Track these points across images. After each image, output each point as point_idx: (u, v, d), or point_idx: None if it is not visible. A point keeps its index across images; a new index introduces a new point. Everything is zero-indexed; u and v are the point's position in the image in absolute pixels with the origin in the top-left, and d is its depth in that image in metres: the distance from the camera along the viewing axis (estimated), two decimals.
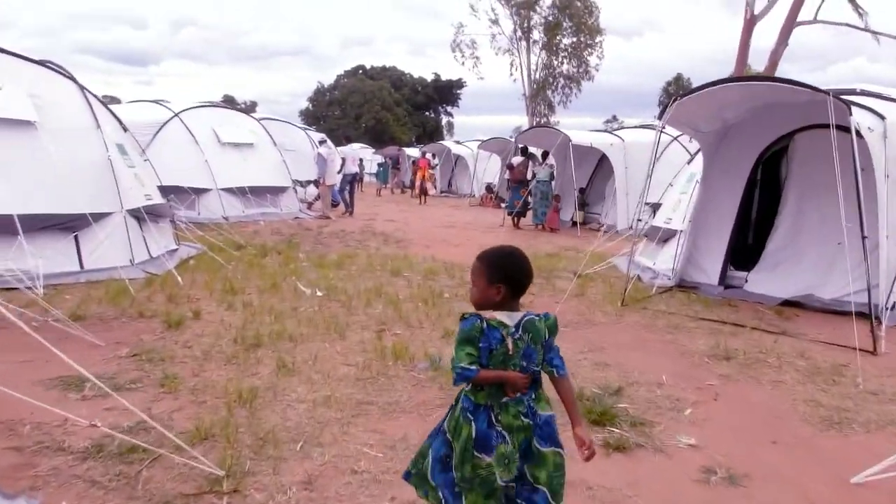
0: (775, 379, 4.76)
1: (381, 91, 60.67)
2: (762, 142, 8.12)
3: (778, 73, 20.61)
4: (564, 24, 42.53)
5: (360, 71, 66.39)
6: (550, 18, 42.24)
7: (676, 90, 54.45)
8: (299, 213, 15.45)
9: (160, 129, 13.45)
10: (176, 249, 8.67)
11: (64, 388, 3.92)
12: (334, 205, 16.53)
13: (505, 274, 2.16)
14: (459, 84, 63.89)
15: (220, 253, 8.62)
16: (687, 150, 12.38)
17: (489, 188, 22.97)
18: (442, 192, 28.25)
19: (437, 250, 10.52)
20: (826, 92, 6.06)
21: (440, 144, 32.10)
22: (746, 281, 7.91)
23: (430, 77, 65.87)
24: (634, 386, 4.48)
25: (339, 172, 16.21)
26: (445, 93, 65.59)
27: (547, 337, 2.21)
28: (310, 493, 2.86)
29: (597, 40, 43.29)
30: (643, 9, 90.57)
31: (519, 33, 42.58)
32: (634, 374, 4.74)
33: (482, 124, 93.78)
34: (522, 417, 2.13)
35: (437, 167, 28.49)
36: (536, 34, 42.94)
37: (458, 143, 31.08)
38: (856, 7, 20.30)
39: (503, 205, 17.59)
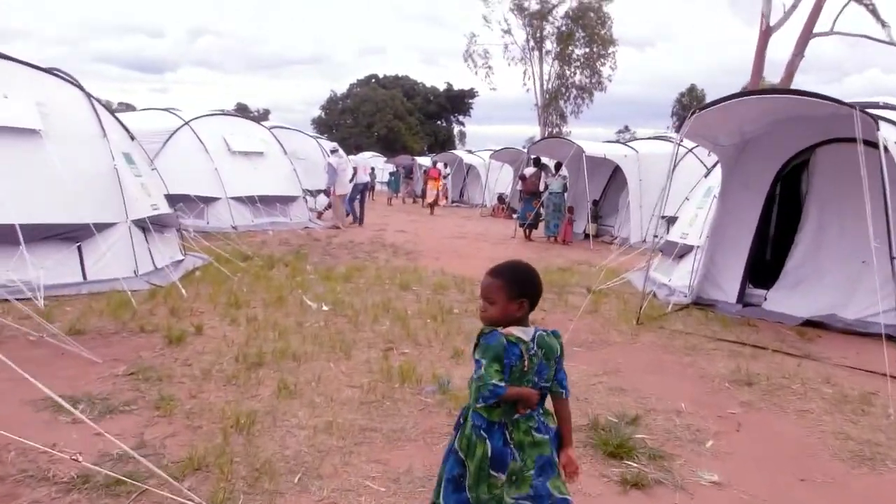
0: (800, 408, 4.52)
1: (394, 100, 60.79)
2: (782, 156, 7.90)
3: (793, 85, 20.34)
4: (577, 34, 42.41)
5: (373, 80, 66.60)
6: (563, 29, 42.15)
7: (690, 101, 54.27)
8: (309, 222, 15.33)
9: (170, 137, 13.37)
10: (182, 260, 8.54)
11: (55, 409, 3.74)
12: (347, 215, 16.38)
13: (527, 289, 2.15)
14: (472, 94, 63.97)
15: (226, 264, 8.48)
16: (703, 163, 12.14)
17: (501, 198, 22.79)
18: (453, 201, 28.08)
19: (446, 263, 10.34)
20: (852, 105, 5.84)
21: (452, 154, 31.97)
22: (765, 299, 7.67)
23: (442, 86, 66.03)
24: (652, 414, 4.26)
25: (350, 182, 16.08)
26: (457, 102, 65.66)
27: (559, 354, 2.20)
28: None
29: (609, 51, 43.14)
30: (656, 19, 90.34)
31: (532, 43, 42.51)
32: (652, 399, 4.52)
33: (494, 134, 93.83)
34: (534, 433, 2.11)
35: (449, 177, 28.32)
36: (549, 44, 42.87)
37: (469, 152, 30.96)
38: (878, 18, 20.00)
39: (515, 216, 17.40)
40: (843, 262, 7.19)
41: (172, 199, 12.04)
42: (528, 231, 15.09)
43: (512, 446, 2.08)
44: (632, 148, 15.27)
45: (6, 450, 3.19)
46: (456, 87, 64.82)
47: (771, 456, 3.76)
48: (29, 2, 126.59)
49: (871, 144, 5.96)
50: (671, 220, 10.26)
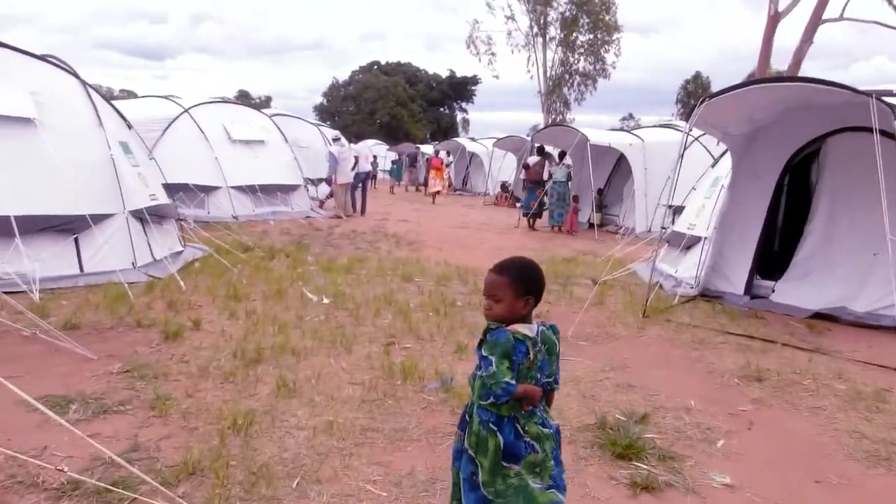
0: (813, 405, 4.40)
1: (396, 87, 60.40)
2: (792, 145, 7.73)
3: (801, 72, 20.07)
4: (581, 20, 42.00)
5: (375, 66, 66.15)
6: (567, 14, 41.72)
7: (695, 89, 53.88)
8: (311, 211, 15.18)
9: (169, 125, 13.20)
10: (181, 251, 8.42)
11: (48, 408, 3.63)
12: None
13: (532, 286, 2.14)
14: (475, 80, 63.55)
15: (226, 255, 8.36)
16: (709, 152, 11.95)
17: (504, 187, 22.61)
18: (456, 190, 27.90)
19: (450, 253, 10.22)
20: (868, 94, 5.67)
21: (454, 142, 31.73)
22: (773, 291, 7.53)
23: (445, 73, 65.59)
24: (661, 411, 4.15)
25: (352, 170, 15.91)
26: (460, 89, 65.25)
27: (558, 349, 2.21)
28: None
29: (614, 37, 42.73)
30: (660, 5, 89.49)
31: (535, 29, 42.12)
32: (660, 397, 4.41)
33: (497, 121, 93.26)
34: (541, 427, 2.14)
35: (452, 164, 28.10)
36: (553, 30, 42.48)
37: (472, 140, 30.71)
38: (890, 3, 19.65)
39: (518, 205, 17.24)
40: (853, 253, 7.05)
41: (172, 189, 11.94)
42: (531, 220, 14.94)
43: (528, 439, 2.09)
44: (637, 136, 15.07)
45: None
46: (459, 74, 64.43)
47: (784, 456, 3.64)
48: None
49: (886, 134, 5.81)
50: (677, 210, 10.11)
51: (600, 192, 15.52)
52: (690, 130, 6.82)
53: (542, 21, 42.00)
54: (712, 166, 9.57)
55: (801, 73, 17.84)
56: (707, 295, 7.65)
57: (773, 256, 8.19)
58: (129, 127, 8.64)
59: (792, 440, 3.86)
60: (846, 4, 20.11)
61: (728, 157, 8.83)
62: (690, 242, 8.21)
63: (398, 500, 2.92)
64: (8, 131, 6.60)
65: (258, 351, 4.75)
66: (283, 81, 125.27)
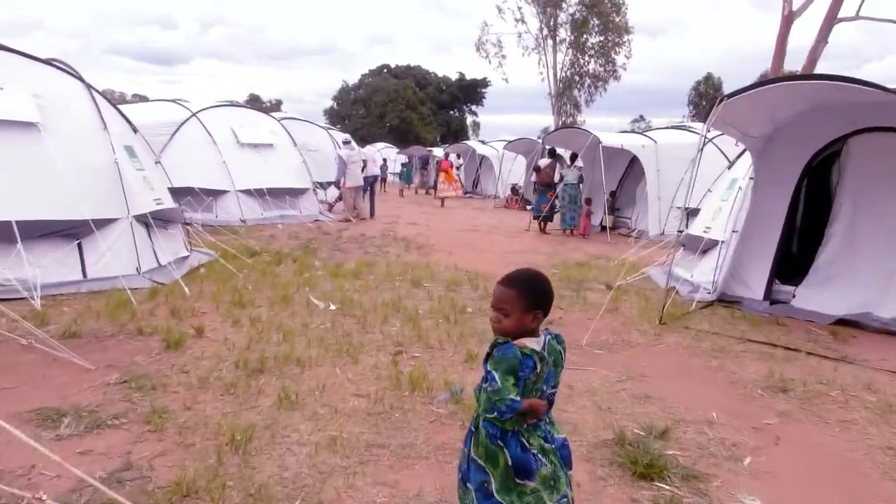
0: (843, 418, 4.18)
1: (406, 90, 60.34)
2: (812, 146, 7.48)
3: (815, 72, 19.72)
4: (592, 21, 41.75)
5: (385, 70, 66.18)
6: (577, 16, 41.48)
7: (706, 90, 53.40)
8: (319, 215, 15.05)
9: (178, 129, 13.14)
10: (186, 256, 8.29)
11: (40, 423, 3.49)
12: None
13: (541, 299, 2.09)
14: (484, 83, 63.42)
15: (232, 260, 8.23)
16: (723, 154, 11.65)
17: (514, 190, 22.42)
18: (466, 192, 27.72)
19: (460, 257, 10.03)
20: None
21: (464, 144, 31.59)
22: (794, 296, 7.28)
23: (454, 76, 65.46)
24: (682, 425, 3.94)
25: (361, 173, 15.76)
26: (470, 92, 65.12)
27: (563, 360, 2.16)
28: None
29: (624, 39, 42.43)
30: (669, 7, 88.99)
31: (545, 31, 41.90)
32: (681, 409, 4.20)
33: (507, 123, 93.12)
34: (544, 441, 2.09)
35: (462, 167, 27.91)
36: (563, 32, 42.26)
37: (483, 143, 30.55)
38: None
39: (529, 208, 17.03)
40: (877, 257, 6.81)
41: (179, 193, 11.86)
42: (542, 223, 14.72)
43: (535, 451, 2.05)
44: (650, 138, 14.82)
45: None
46: (468, 77, 64.28)
47: (815, 475, 3.43)
48: None
49: None
50: (692, 213, 9.88)
51: (613, 194, 15.28)
52: (708, 131, 6.59)
53: (552, 23, 41.79)
54: (728, 168, 9.34)
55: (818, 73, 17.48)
56: (725, 300, 7.42)
57: (793, 260, 7.95)
58: (135, 131, 8.52)
59: (822, 457, 3.64)
60: (862, 3, 19.77)
61: (745, 158, 8.62)
62: (707, 246, 7.98)
63: None
64: (10, 135, 6.50)
65: (261, 360, 4.58)
66: (293, 85, 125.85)
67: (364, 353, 4.99)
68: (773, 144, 7.35)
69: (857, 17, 20.03)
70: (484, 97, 66.07)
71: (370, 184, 16.31)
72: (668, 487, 3.14)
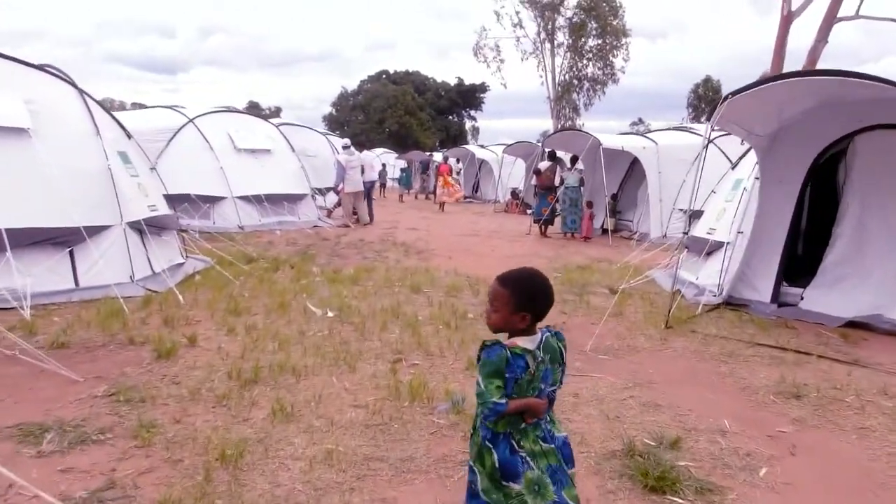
0: (859, 425, 4.02)
1: (405, 96, 60.28)
2: (817, 145, 7.33)
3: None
4: (589, 25, 41.66)
5: (384, 76, 66.14)
6: (575, 20, 41.40)
7: (705, 92, 53.32)
8: (318, 221, 14.90)
9: (174, 135, 13.00)
10: (182, 264, 8.13)
11: (21, 439, 3.33)
12: (354, 213, 15.90)
13: (530, 302, 2.05)
14: (483, 88, 63.36)
15: (228, 267, 8.08)
16: (725, 155, 11.49)
17: (514, 194, 22.28)
18: (466, 197, 27.56)
19: (460, 262, 9.87)
20: None
21: (464, 148, 31.45)
22: (802, 298, 7.13)
23: (453, 81, 65.39)
24: (693, 434, 3.78)
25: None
26: (469, 97, 65.07)
27: (563, 358, 2.13)
28: None
29: (622, 42, 42.34)
30: (667, 10, 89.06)
31: (543, 35, 41.82)
32: (691, 417, 4.04)
33: (506, 128, 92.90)
34: (542, 442, 2.06)
35: (461, 172, 27.75)
36: (561, 36, 42.16)
37: (482, 147, 30.41)
38: None
39: (529, 211, 16.89)
40: (887, 257, 6.66)
41: (176, 200, 11.72)
42: (543, 227, 14.57)
43: (524, 455, 2.02)
44: (651, 140, 14.68)
45: None
46: (467, 82, 64.23)
47: (834, 486, 3.27)
48: (43, 3, 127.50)
49: None
50: (695, 215, 9.72)
51: (614, 197, 15.13)
52: (713, 129, 6.44)
53: (549, 27, 41.70)
54: (732, 168, 9.19)
55: None
56: (731, 303, 7.26)
57: (799, 261, 7.80)
58: (129, 136, 8.38)
59: (841, 466, 3.48)
60: (861, 2, 19.66)
61: (749, 158, 8.48)
62: (712, 248, 7.82)
63: None
64: (1, 141, 6.35)
65: (255, 370, 4.42)
66: (292, 92, 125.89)
67: (362, 362, 4.84)
68: (778, 143, 7.21)
69: (856, 17, 19.91)
70: (483, 102, 66.07)
71: (367, 189, 16.15)
72: (681, 501, 2.98)
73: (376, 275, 8.47)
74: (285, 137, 15.47)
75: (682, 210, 13.39)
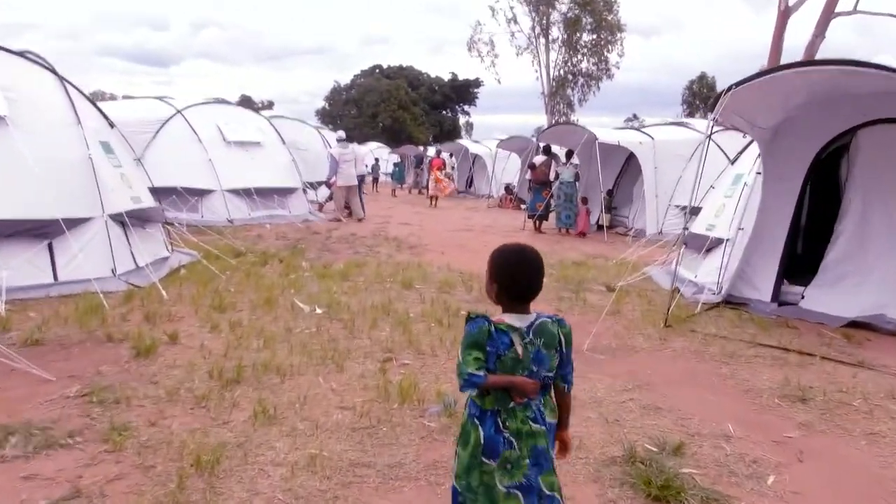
0: (868, 430, 3.85)
1: (398, 90, 59.90)
2: (819, 139, 7.16)
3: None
4: (584, 20, 41.45)
5: (377, 70, 65.70)
6: (570, 15, 41.17)
7: (700, 89, 53.19)
8: (309, 215, 14.67)
9: (162, 126, 12.74)
10: (167, 258, 7.90)
11: None
12: (346, 207, 15.65)
13: (498, 274, 2.05)
14: (477, 83, 63.03)
15: (215, 261, 7.86)
16: (722, 151, 11.31)
17: (508, 189, 22.08)
18: (459, 192, 27.33)
19: (452, 257, 9.68)
20: None
21: (458, 143, 31.20)
22: (803, 297, 6.96)
23: (447, 76, 65.06)
24: (697, 440, 3.60)
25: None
26: (463, 92, 64.72)
27: (564, 347, 2.08)
28: None
29: (617, 37, 42.15)
30: (662, 6, 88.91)
31: (538, 30, 41.58)
32: (694, 421, 3.87)
33: (500, 123, 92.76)
34: (531, 423, 2.02)
35: (455, 167, 27.51)
36: (556, 31, 41.94)
37: (475, 142, 30.17)
38: None
39: (523, 206, 16.71)
40: (890, 255, 6.50)
41: (164, 192, 11.47)
42: (538, 223, 14.39)
43: (507, 434, 2.00)
44: (647, 134, 14.50)
45: None
46: (461, 77, 63.91)
47: (845, 495, 3.10)
48: None
49: None
50: (693, 211, 9.56)
51: (610, 192, 14.96)
52: (715, 122, 6.26)
53: (544, 22, 41.46)
54: (731, 163, 9.03)
55: None
56: (731, 302, 7.10)
57: (799, 259, 7.64)
58: (112, 126, 8.13)
59: (851, 474, 3.32)
60: None
61: (749, 153, 8.32)
62: (711, 245, 7.66)
63: None
64: None
65: (238, 370, 4.22)
66: (285, 86, 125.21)
67: (350, 361, 4.64)
68: (780, 137, 7.04)
69: (854, 12, 19.77)
70: (477, 97, 65.71)
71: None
72: None
73: (367, 270, 8.27)
74: (276, 130, 15.21)
75: (678, 206, 13.26)
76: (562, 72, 42.57)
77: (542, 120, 43.20)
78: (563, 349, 2.08)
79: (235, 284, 7.00)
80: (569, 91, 43.29)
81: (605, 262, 9.87)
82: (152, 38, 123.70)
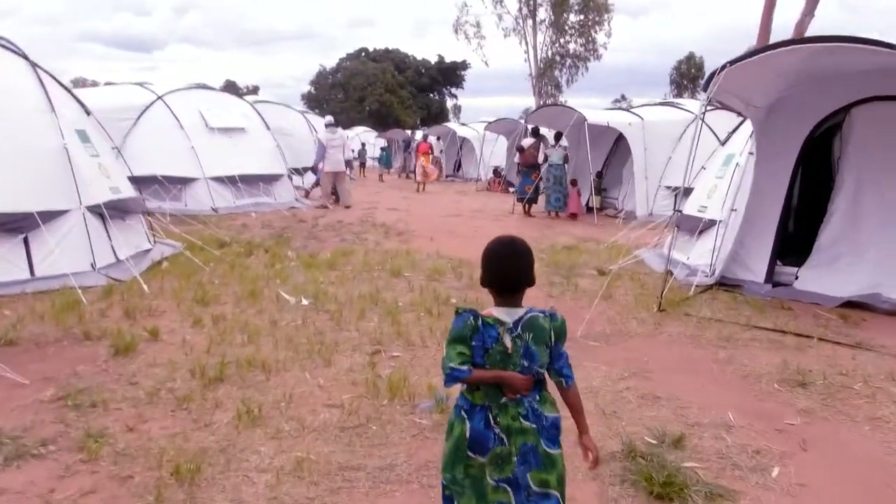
0: (871, 415, 3.76)
1: (385, 74, 59.28)
2: (814, 117, 7.04)
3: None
4: (571, 0, 41.05)
5: (363, 53, 64.95)
6: None
7: (688, 69, 53.00)
8: (295, 202, 14.42)
9: (142, 113, 12.43)
10: (149, 250, 7.69)
11: None
12: (332, 193, 15.42)
13: (488, 266, 2.02)
14: (464, 66, 62.49)
15: (199, 252, 7.66)
16: (712, 131, 11.15)
17: (497, 172, 21.89)
18: (447, 176, 27.11)
19: (442, 243, 9.52)
20: None
21: (445, 126, 30.92)
22: (797, 278, 6.88)
23: (433, 59, 64.44)
24: (697, 430, 3.50)
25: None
26: (450, 75, 64.17)
27: (554, 341, 2.03)
28: None
29: (604, 17, 41.82)
30: None
31: (525, 11, 41.16)
32: (693, 410, 3.76)
33: (488, 106, 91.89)
34: (522, 420, 1.97)
35: (443, 151, 27.26)
36: (543, 12, 41.53)
37: (463, 125, 29.89)
38: None
39: (512, 190, 16.55)
40: (884, 234, 6.42)
41: (145, 182, 11.21)
42: (527, 206, 14.23)
43: (498, 431, 1.96)
44: (637, 115, 14.33)
45: None
46: (448, 60, 63.32)
47: (854, 487, 3.00)
48: None
49: None
50: (684, 191, 9.43)
51: (599, 174, 14.81)
52: (710, 101, 6.11)
53: (531, 2, 41.03)
54: (722, 144, 8.91)
55: None
56: (724, 284, 7.00)
57: (791, 239, 7.55)
58: (88, 113, 7.87)
59: (856, 462, 3.22)
60: None
61: (741, 133, 8.19)
62: (704, 227, 7.54)
63: None
64: None
65: (221, 367, 4.06)
66: (270, 70, 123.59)
67: (338, 354, 4.50)
68: (774, 116, 6.91)
69: None
70: (464, 80, 65.16)
71: None
72: None
73: (354, 258, 8.10)
74: (260, 115, 14.89)
75: (668, 187, 13.15)
76: (549, 53, 42.22)
77: (530, 102, 42.99)
78: (552, 343, 2.03)
79: (219, 276, 6.82)
80: (556, 72, 42.96)
81: (597, 245, 9.75)
82: (134, 22, 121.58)
